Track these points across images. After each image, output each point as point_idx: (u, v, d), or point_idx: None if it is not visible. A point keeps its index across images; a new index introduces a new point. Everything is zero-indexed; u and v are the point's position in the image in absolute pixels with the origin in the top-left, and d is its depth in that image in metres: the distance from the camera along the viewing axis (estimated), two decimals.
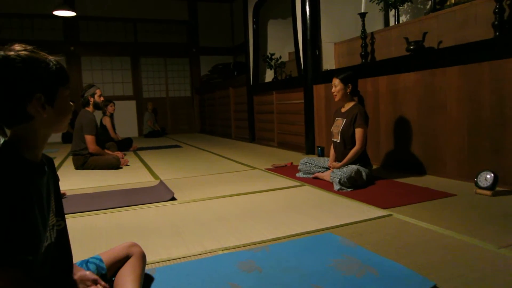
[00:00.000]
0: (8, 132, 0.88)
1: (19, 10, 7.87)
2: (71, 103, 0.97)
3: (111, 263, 1.17)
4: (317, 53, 4.41)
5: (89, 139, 3.96)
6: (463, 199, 2.24)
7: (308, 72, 4.44)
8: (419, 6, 4.25)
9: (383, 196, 2.40)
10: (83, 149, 3.98)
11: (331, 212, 2.10)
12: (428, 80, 2.95)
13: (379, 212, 2.06)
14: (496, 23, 2.54)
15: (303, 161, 3.18)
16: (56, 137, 7.47)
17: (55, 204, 0.98)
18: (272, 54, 5.71)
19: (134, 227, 1.96)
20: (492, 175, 2.25)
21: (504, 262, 1.36)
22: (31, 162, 0.88)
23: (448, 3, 3.40)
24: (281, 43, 6.33)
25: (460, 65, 2.69)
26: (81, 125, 3.98)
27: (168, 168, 3.91)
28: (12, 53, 0.83)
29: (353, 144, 2.83)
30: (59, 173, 3.24)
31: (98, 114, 4.79)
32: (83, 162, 3.98)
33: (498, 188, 2.29)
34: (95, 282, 1.05)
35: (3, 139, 0.88)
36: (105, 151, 4.18)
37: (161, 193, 2.68)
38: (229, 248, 1.61)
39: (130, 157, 4.77)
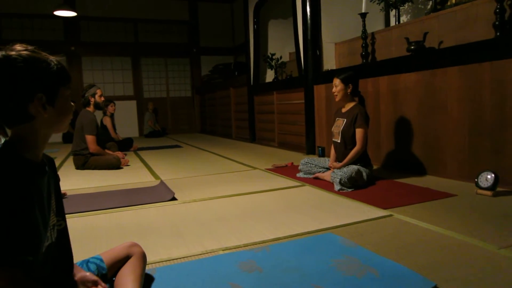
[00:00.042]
0: (9, 132, 0.88)
1: (19, 10, 7.88)
2: (72, 103, 0.97)
3: (111, 263, 1.17)
4: (318, 53, 4.41)
5: (90, 139, 3.96)
6: (464, 200, 2.24)
7: (309, 72, 4.44)
8: (419, 6, 4.25)
9: (384, 196, 2.40)
10: (84, 149, 3.98)
11: (331, 212, 2.10)
12: (429, 80, 2.95)
13: (380, 212, 2.06)
14: (497, 23, 2.54)
15: (304, 161, 3.18)
16: (56, 137, 7.47)
17: (56, 204, 0.98)
18: (273, 54, 5.71)
19: (135, 227, 1.96)
20: (493, 175, 2.25)
21: (504, 263, 1.36)
22: (32, 162, 0.88)
23: (448, 3, 3.41)
24: (281, 43, 6.33)
25: (460, 65, 2.69)
26: (81, 125, 3.98)
27: (168, 168, 3.91)
28: (13, 53, 0.83)
29: (354, 144, 2.83)
30: (59, 173, 3.24)
31: (98, 114, 4.79)
32: (84, 162, 3.98)
33: (498, 189, 2.29)
34: (95, 283, 1.05)
35: (4, 139, 0.88)
36: (105, 151, 4.18)
37: (161, 193, 2.69)
38: (230, 248, 1.61)
39: (131, 157, 4.78)
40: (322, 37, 4.44)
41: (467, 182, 2.62)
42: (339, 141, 2.92)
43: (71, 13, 6.79)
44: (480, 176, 2.32)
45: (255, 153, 4.91)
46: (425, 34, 3.18)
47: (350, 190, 2.59)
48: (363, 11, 3.71)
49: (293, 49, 5.22)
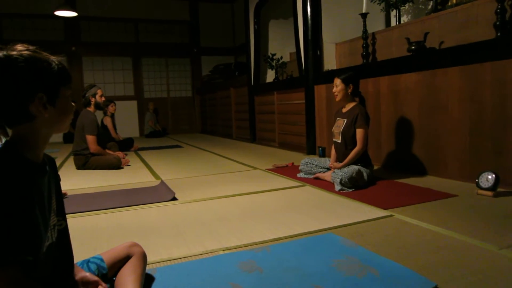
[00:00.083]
0: (9, 131, 0.89)
1: (20, 10, 7.89)
2: (73, 103, 0.97)
3: (112, 263, 1.17)
4: (318, 53, 4.40)
5: (90, 139, 3.96)
6: (464, 200, 2.24)
7: (309, 73, 4.44)
8: (420, 6, 4.25)
9: (384, 196, 2.40)
10: (85, 149, 3.98)
11: (332, 213, 2.10)
12: (430, 81, 2.95)
13: (380, 212, 2.06)
14: (497, 23, 2.53)
15: (304, 161, 3.18)
16: (57, 137, 7.48)
17: (56, 204, 0.98)
18: (273, 55, 5.71)
19: (135, 227, 1.96)
20: (494, 175, 2.25)
21: (505, 263, 1.36)
22: (32, 162, 0.88)
23: (449, 4, 3.40)
24: (282, 44, 6.33)
25: (461, 65, 2.68)
26: (82, 125, 3.99)
27: (169, 168, 3.91)
28: (14, 52, 0.84)
29: (354, 145, 2.83)
30: (60, 173, 3.25)
31: (99, 114, 4.79)
32: (84, 162, 3.99)
33: (499, 189, 2.29)
34: (96, 283, 1.05)
35: (5, 139, 0.88)
36: (106, 151, 4.19)
37: (162, 193, 2.69)
38: (230, 248, 1.61)
39: (131, 157, 4.78)
40: (323, 37, 4.44)
41: (468, 182, 2.62)
42: (339, 141, 2.92)
43: (71, 13, 6.79)
44: (480, 177, 2.32)
45: (256, 153, 4.91)
46: (426, 34, 3.18)
47: (350, 190, 2.59)
48: (363, 11, 3.71)
49: (293, 49, 5.22)
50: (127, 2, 8.74)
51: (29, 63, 0.84)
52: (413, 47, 3.16)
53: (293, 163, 3.81)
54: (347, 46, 4.37)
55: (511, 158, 2.41)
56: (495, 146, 2.49)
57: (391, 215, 2.00)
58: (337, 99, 2.94)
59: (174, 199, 2.53)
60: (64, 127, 0.95)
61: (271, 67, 5.77)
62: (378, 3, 4.11)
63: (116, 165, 3.96)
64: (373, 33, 3.94)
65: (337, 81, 2.90)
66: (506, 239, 1.57)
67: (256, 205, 2.31)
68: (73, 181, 3.38)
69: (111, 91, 8.77)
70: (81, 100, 4.16)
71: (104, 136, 5.07)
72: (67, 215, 1.06)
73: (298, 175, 3.18)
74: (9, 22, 7.95)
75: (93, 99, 4.10)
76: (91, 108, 4.12)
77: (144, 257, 1.25)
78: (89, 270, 1.13)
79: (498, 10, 2.53)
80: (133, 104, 9.04)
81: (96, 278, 1.06)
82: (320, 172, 3.05)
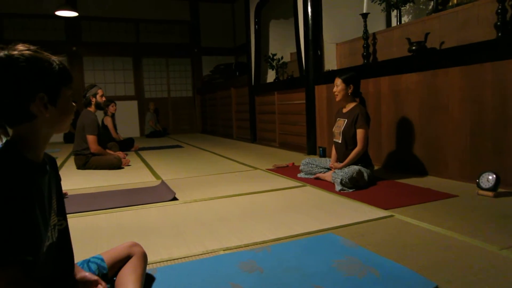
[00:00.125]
0: (10, 131, 0.89)
1: (21, 10, 7.89)
2: (73, 103, 0.97)
3: (112, 263, 1.17)
4: (319, 53, 4.40)
5: (91, 139, 3.96)
6: (465, 200, 2.23)
7: (310, 73, 4.44)
8: (421, 6, 4.25)
9: (385, 196, 2.40)
10: (85, 149, 3.99)
11: (332, 213, 2.10)
12: (430, 81, 2.95)
13: (381, 212, 2.06)
14: (498, 23, 2.53)
15: (305, 161, 3.17)
16: (58, 137, 7.48)
17: (57, 203, 0.98)
18: (274, 55, 5.71)
19: (136, 227, 1.97)
20: (494, 176, 2.24)
21: (506, 263, 1.36)
22: (33, 162, 0.88)
23: (450, 4, 3.40)
24: (282, 44, 6.33)
25: (462, 65, 2.68)
26: (83, 125, 3.99)
27: (169, 168, 3.91)
28: (15, 52, 0.84)
29: (355, 145, 2.83)
30: (61, 172, 3.24)
31: (99, 114, 4.80)
32: (85, 162, 3.99)
33: (500, 189, 2.29)
34: (96, 283, 1.05)
35: (5, 138, 0.88)
36: (106, 151, 4.19)
37: (162, 193, 2.69)
38: (230, 248, 1.61)
39: (132, 157, 4.78)
40: (323, 37, 4.44)
41: (468, 182, 2.62)
42: (340, 141, 2.92)
43: (72, 13, 6.80)
44: (481, 177, 2.32)
45: (256, 153, 4.91)
46: (427, 34, 3.18)
47: (351, 190, 2.59)
48: (364, 11, 3.71)
49: (294, 50, 5.22)
50: (128, 2, 8.74)
51: (30, 63, 0.84)
52: (413, 47, 3.16)
53: (293, 163, 3.81)
54: (347, 46, 4.37)
55: None
56: (496, 146, 2.49)
57: (391, 215, 2.00)
58: (337, 99, 2.94)
59: (175, 199, 2.54)
60: (64, 127, 0.95)
61: (272, 67, 5.77)
62: (378, 3, 4.10)
63: (117, 165, 3.96)
64: (374, 33, 3.94)
65: (338, 81, 2.90)
66: (507, 240, 1.57)
67: (257, 205, 2.31)
68: (74, 181, 3.38)
69: (111, 91, 8.78)
70: (82, 100, 4.16)
71: (105, 136, 5.07)
72: (67, 215, 1.06)
73: (299, 175, 3.18)
74: (10, 22, 7.95)
75: (93, 99, 4.11)
76: (92, 108, 4.13)
77: (144, 257, 1.25)
78: (90, 270, 1.13)
79: (499, 11, 2.53)
80: (134, 104, 9.04)
81: (95, 277, 1.06)
82: (320, 172, 3.05)
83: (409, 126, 3.15)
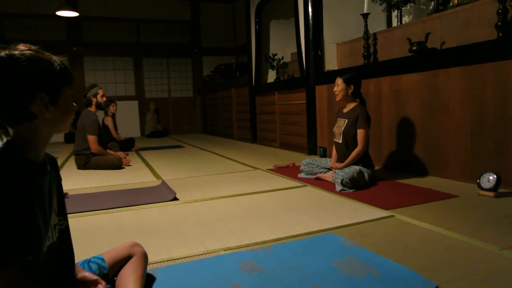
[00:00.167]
0: (11, 131, 0.89)
1: (22, 10, 7.90)
2: (74, 103, 0.97)
3: (113, 263, 1.17)
4: (320, 53, 4.40)
5: (92, 139, 3.97)
6: (466, 201, 2.23)
7: (310, 73, 4.43)
8: (422, 7, 4.25)
9: (385, 197, 2.40)
10: (86, 149, 3.99)
11: (333, 213, 2.10)
12: (431, 81, 2.94)
13: (381, 213, 2.06)
14: (499, 24, 2.53)
15: (305, 161, 3.17)
16: (58, 137, 7.49)
17: (58, 203, 0.98)
18: (274, 55, 5.72)
19: (136, 227, 1.97)
20: (495, 176, 2.24)
21: (506, 264, 1.35)
22: (33, 162, 0.88)
23: (451, 4, 3.40)
24: (283, 44, 6.33)
25: (463, 66, 2.68)
26: (83, 125, 3.99)
27: (170, 168, 3.92)
28: (16, 52, 0.84)
29: (355, 145, 2.83)
30: (61, 173, 3.25)
31: (100, 114, 4.80)
32: (86, 162, 3.99)
33: (500, 190, 2.28)
34: (96, 283, 1.05)
35: (6, 138, 0.88)
36: (107, 151, 4.19)
37: (163, 193, 2.69)
38: (231, 248, 1.61)
39: (132, 157, 4.78)
40: (324, 37, 4.44)
41: (469, 183, 2.62)
42: (340, 141, 2.92)
43: (73, 13, 6.81)
44: (482, 177, 2.31)
45: (257, 153, 4.91)
46: (427, 34, 3.17)
47: (351, 190, 2.58)
48: (365, 11, 3.71)
49: (294, 50, 5.22)
50: (129, 2, 8.75)
51: (31, 63, 0.84)
52: (414, 48, 3.16)
53: (294, 164, 3.81)
54: (348, 47, 4.37)
55: None
56: (497, 146, 2.49)
57: (392, 216, 2.00)
58: (337, 98, 2.94)
59: (175, 199, 2.54)
60: (65, 127, 0.95)
61: (272, 67, 5.77)
62: (379, 4, 4.10)
63: (117, 165, 3.97)
64: (375, 34, 3.94)
65: (339, 81, 2.90)
66: (508, 240, 1.57)
67: (257, 205, 2.31)
68: (74, 181, 3.38)
69: (112, 91, 8.78)
70: (82, 100, 4.16)
71: (105, 136, 5.08)
72: (68, 215, 1.06)
73: (299, 175, 3.18)
74: (11, 22, 7.96)
75: (94, 99, 4.11)
76: (92, 108, 4.13)
77: (145, 257, 1.25)
78: (90, 270, 1.13)
79: (500, 11, 2.52)
80: (134, 104, 9.05)
81: (96, 277, 1.06)
82: (321, 172, 3.05)
83: (410, 126, 3.15)
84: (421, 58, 3.05)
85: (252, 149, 5.45)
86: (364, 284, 1.23)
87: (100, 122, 4.57)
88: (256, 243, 1.66)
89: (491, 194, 2.25)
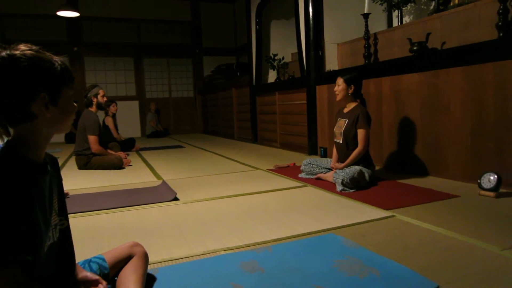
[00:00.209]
0: (11, 131, 0.89)
1: (22, 10, 7.91)
2: (75, 103, 0.98)
3: (113, 263, 1.17)
4: (320, 53, 4.40)
5: (92, 139, 3.97)
6: (466, 201, 2.23)
7: (311, 73, 4.43)
8: (422, 7, 4.24)
9: (386, 197, 2.40)
10: (86, 149, 3.99)
11: (333, 213, 2.10)
12: (432, 81, 2.94)
13: (382, 213, 2.06)
14: (500, 24, 2.53)
15: (306, 161, 3.17)
16: (59, 137, 7.50)
17: (58, 203, 0.98)
18: (275, 55, 5.72)
19: (137, 227, 1.97)
20: (496, 176, 2.24)
21: (507, 264, 1.35)
22: (33, 162, 0.88)
23: (451, 4, 3.39)
24: (283, 44, 6.33)
25: (463, 66, 2.68)
26: (84, 126, 3.99)
27: (170, 168, 3.92)
28: (17, 52, 0.84)
29: (356, 145, 2.83)
30: (62, 173, 3.25)
31: (100, 115, 4.80)
32: (86, 162, 3.99)
33: (501, 190, 2.28)
34: (96, 282, 1.05)
35: (7, 138, 0.88)
36: (108, 151, 4.19)
37: (163, 193, 2.69)
38: (231, 249, 1.61)
39: (133, 157, 4.78)
40: (325, 37, 4.44)
41: (470, 183, 2.61)
42: (341, 141, 2.92)
43: (74, 14, 6.82)
44: (482, 177, 2.31)
45: (257, 153, 4.91)
46: (428, 34, 3.17)
47: (352, 190, 2.58)
48: (365, 11, 3.71)
49: (295, 50, 5.21)
50: (129, 3, 8.76)
51: (32, 63, 0.84)
52: (415, 48, 3.16)
53: (294, 164, 3.81)
54: (348, 47, 4.37)
55: None
56: (497, 146, 2.49)
57: (392, 216, 1.99)
58: (337, 98, 2.94)
59: (176, 199, 2.54)
60: (65, 127, 0.95)
61: (273, 68, 5.77)
62: (380, 4, 4.10)
63: (118, 165, 3.97)
64: (375, 34, 3.94)
65: (339, 81, 2.90)
66: (508, 240, 1.57)
67: (258, 206, 2.31)
68: (75, 181, 3.38)
69: (113, 91, 8.79)
70: (83, 100, 4.16)
71: (106, 136, 5.08)
72: (68, 215, 1.06)
73: (300, 175, 3.18)
74: (11, 22, 7.97)
75: (95, 99, 4.11)
76: (93, 108, 4.13)
77: (145, 257, 1.25)
78: (91, 269, 1.13)
79: (501, 11, 2.52)
80: (135, 104, 9.05)
81: (96, 277, 1.06)
82: (321, 172, 3.05)
83: (410, 126, 3.15)
84: (421, 58, 3.05)
85: (252, 149, 5.45)
86: (364, 284, 1.23)
87: (101, 122, 4.57)
88: (257, 243, 1.66)
89: (491, 194, 2.25)
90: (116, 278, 1.16)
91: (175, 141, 7.40)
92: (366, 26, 3.74)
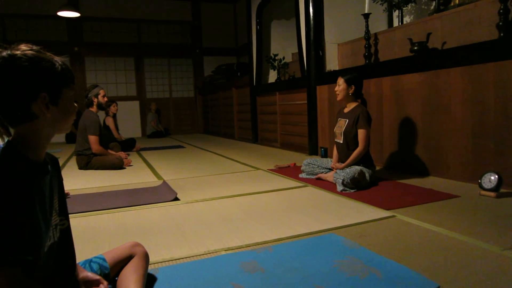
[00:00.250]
0: (12, 131, 0.89)
1: (23, 11, 7.91)
2: (75, 103, 0.98)
3: (114, 263, 1.17)
4: (321, 54, 4.40)
5: (93, 139, 3.97)
6: (467, 201, 2.23)
7: (311, 73, 4.43)
8: (423, 7, 4.24)
9: (386, 197, 2.40)
10: (87, 149, 3.99)
11: (334, 213, 2.09)
12: (432, 81, 2.94)
13: (382, 213, 2.06)
14: (500, 23, 2.53)
15: (306, 161, 3.17)
16: (59, 137, 7.51)
17: (59, 203, 0.98)
18: (275, 55, 5.72)
19: (137, 227, 1.97)
20: (496, 176, 2.24)
21: (508, 264, 1.35)
22: (34, 162, 0.88)
23: (452, 4, 3.39)
24: (284, 44, 6.33)
25: (464, 66, 2.68)
26: (84, 126, 4.00)
27: (171, 168, 3.92)
28: (18, 52, 0.84)
29: (356, 145, 2.82)
30: (62, 173, 3.25)
31: (101, 115, 4.80)
32: (87, 162, 4.00)
33: (502, 190, 2.28)
34: (97, 282, 1.05)
35: (7, 138, 0.88)
36: (108, 151, 4.20)
37: (164, 193, 2.69)
38: (232, 249, 1.61)
39: (133, 158, 4.79)
40: (325, 37, 4.44)
41: (471, 183, 2.61)
42: (341, 141, 2.92)
43: (74, 14, 6.82)
44: (483, 177, 2.31)
45: (258, 153, 4.91)
46: (428, 34, 3.17)
47: (352, 191, 2.58)
48: (366, 11, 3.71)
49: (295, 50, 5.21)
50: (129, 3, 8.76)
51: (32, 63, 0.84)
52: (415, 48, 3.16)
53: (295, 164, 3.81)
54: (349, 47, 4.37)
55: None
56: (498, 146, 2.49)
57: (393, 216, 1.99)
58: (338, 98, 2.94)
59: (176, 199, 2.54)
60: (66, 127, 0.96)
61: (273, 68, 5.77)
62: (380, 4, 4.10)
63: (118, 165, 3.97)
64: (376, 34, 3.93)
65: (340, 81, 2.90)
66: (509, 240, 1.57)
67: (258, 206, 2.31)
68: (76, 181, 3.39)
69: (113, 91, 8.80)
70: (84, 100, 4.17)
71: (106, 137, 5.08)
72: (69, 215, 1.06)
73: (300, 175, 3.18)
74: (12, 22, 7.98)
75: (95, 100, 4.12)
76: (94, 109, 4.14)
77: (146, 257, 1.25)
78: (91, 269, 1.13)
79: (501, 11, 2.52)
80: (135, 104, 9.06)
81: (97, 277, 1.06)
82: (322, 172, 3.04)
83: (411, 126, 3.15)
84: (422, 58, 3.05)
85: (253, 149, 5.45)
86: (365, 285, 1.23)
87: (101, 122, 4.57)
88: (257, 243, 1.66)
89: (492, 194, 2.25)
90: (116, 278, 1.16)
91: (176, 141, 7.40)
92: (367, 26, 3.74)
